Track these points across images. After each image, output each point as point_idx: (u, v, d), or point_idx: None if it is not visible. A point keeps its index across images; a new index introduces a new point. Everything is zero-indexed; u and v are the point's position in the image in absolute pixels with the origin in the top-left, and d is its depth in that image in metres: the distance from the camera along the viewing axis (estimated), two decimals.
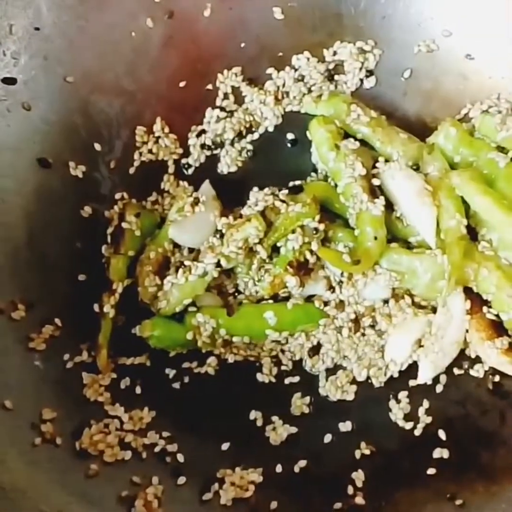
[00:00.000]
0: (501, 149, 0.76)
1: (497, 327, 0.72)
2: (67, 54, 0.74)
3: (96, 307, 0.71)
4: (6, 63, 0.71)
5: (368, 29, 0.81)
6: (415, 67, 0.81)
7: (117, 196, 0.76)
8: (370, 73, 0.82)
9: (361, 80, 0.82)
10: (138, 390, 0.70)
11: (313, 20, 0.81)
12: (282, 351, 0.73)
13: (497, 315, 0.72)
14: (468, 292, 0.72)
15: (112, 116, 0.77)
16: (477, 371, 0.72)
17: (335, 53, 0.81)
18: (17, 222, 0.70)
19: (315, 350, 0.74)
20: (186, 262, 0.73)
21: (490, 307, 0.72)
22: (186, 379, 0.71)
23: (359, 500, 0.65)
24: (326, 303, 0.74)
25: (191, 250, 0.75)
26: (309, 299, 0.74)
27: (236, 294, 0.75)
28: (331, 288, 0.74)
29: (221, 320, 0.72)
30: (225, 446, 0.67)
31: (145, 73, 0.78)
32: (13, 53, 0.71)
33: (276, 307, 0.73)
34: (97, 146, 0.76)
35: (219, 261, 0.71)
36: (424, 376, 0.71)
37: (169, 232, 0.74)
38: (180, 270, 0.72)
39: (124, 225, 0.74)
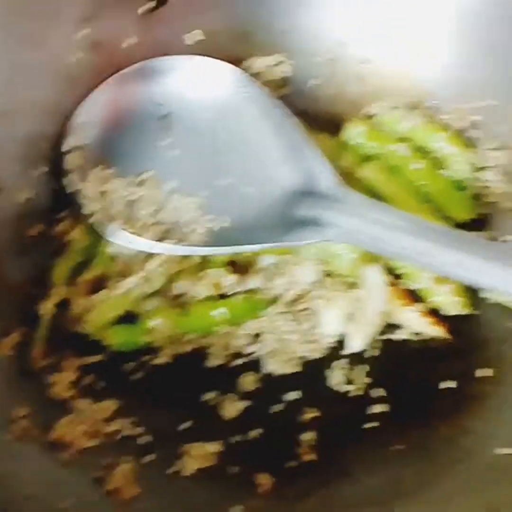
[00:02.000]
0: (403, 140, 0.85)
1: (413, 296, 0.80)
2: (6, 88, 0.79)
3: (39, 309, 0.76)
4: None
5: (273, 44, 0.89)
6: (320, 74, 0.90)
7: (62, 214, 0.81)
8: (283, 82, 0.90)
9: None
10: (101, 384, 0.75)
11: (223, 41, 0.88)
12: (229, 339, 0.79)
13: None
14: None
15: (51, 142, 0.82)
16: (404, 335, 0.79)
17: (249, 68, 0.88)
18: None
19: (256, 336, 0.80)
20: (110, 281, 0.78)
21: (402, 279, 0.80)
22: (143, 371, 0.76)
23: (312, 457, 0.72)
24: (266, 293, 0.80)
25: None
26: (252, 291, 0.80)
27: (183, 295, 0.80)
28: (269, 279, 0.80)
29: (175, 320, 0.77)
30: (185, 425, 0.74)
31: (79, 98, 0.83)
32: None
33: (225, 303, 0.79)
34: (41, 170, 0.81)
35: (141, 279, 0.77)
36: (355, 345, 0.79)
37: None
38: (105, 290, 0.78)
39: (70, 236, 0.80)
